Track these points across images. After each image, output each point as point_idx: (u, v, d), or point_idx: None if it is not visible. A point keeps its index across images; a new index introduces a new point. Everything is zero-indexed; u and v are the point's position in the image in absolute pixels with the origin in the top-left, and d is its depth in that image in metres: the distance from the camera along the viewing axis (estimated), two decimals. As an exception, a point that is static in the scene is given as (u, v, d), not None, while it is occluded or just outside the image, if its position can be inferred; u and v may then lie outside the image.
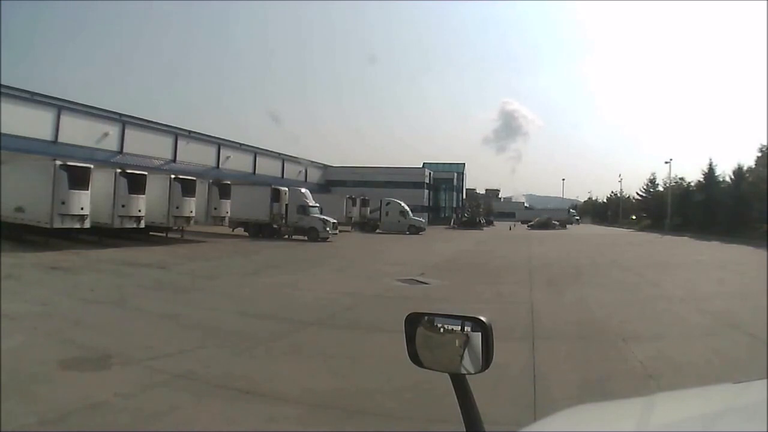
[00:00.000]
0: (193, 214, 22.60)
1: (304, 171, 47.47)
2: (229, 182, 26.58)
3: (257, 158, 40.67)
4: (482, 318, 1.24)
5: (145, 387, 4.70)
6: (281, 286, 11.34)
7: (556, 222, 59.58)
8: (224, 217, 25.43)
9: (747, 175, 44.68)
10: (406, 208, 38.62)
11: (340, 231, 28.53)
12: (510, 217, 72.33)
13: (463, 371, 1.23)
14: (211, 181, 26.19)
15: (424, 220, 41.01)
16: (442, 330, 1.30)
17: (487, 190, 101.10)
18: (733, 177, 45.83)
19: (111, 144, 27.70)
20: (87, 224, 17.96)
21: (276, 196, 27.72)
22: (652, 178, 64.40)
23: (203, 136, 37.36)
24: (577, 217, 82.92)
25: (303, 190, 29.55)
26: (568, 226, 63.12)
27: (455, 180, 63.97)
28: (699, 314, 8.99)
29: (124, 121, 30.11)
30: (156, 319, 7.64)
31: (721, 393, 1.21)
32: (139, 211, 19.83)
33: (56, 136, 24.38)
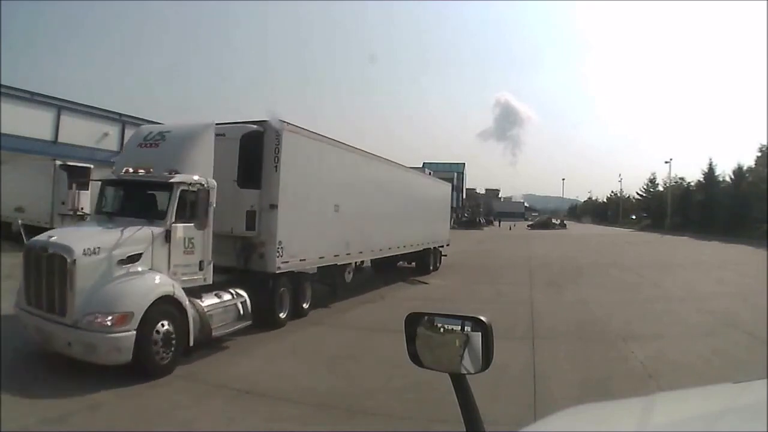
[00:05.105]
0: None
1: (304, 171, 47.30)
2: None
3: (257, 158, 40.56)
4: (482, 318, 1.24)
5: (145, 387, 4.71)
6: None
7: (556, 222, 60.82)
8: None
9: (747, 175, 44.69)
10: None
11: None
12: (510, 217, 71.91)
13: (463, 371, 1.23)
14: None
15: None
16: (442, 330, 1.29)
17: (487, 190, 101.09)
18: (733, 177, 45.86)
19: (111, 144, 27.64)
20: (87, 224, 17.94)
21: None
22: (652, 178, 64.57)
23: (203, 136, 37.25)
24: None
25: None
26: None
27: (455, 180, 63.77)
28: (699, 314, 8.99)
29: (124, 121, 30.00)
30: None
31: (721, 393, 1.21)
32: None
33: (56, 136, 24.33)
